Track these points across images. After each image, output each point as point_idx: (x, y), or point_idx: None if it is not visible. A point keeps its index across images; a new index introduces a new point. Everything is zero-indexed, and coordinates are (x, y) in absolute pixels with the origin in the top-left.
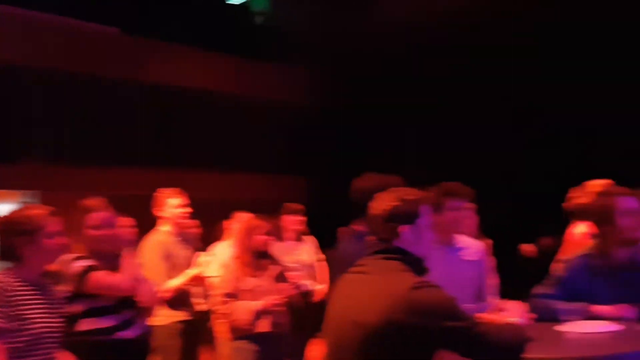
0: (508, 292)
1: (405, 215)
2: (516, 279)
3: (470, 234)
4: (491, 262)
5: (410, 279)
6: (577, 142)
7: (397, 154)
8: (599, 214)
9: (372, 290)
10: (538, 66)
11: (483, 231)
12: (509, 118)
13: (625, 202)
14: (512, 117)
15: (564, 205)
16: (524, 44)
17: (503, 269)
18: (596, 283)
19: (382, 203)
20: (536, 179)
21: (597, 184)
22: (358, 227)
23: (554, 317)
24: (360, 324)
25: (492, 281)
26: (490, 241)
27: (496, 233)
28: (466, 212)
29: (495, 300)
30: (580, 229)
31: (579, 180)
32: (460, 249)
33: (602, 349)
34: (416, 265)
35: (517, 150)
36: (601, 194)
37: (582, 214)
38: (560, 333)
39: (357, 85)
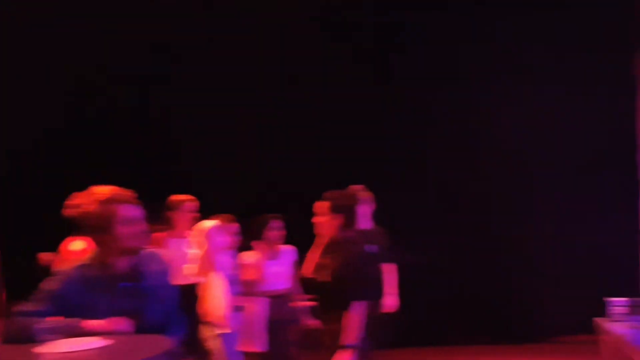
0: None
1: None
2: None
3: None
4: None
5: None
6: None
7: None
8: (98, 223)
9: None
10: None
11: None
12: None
13: (126, 210)
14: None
15: (63, 212)
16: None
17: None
18: (94, 296)
19: None
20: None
21: (100, 190)
22: None
23: (34, 338)
24: None
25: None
26: None
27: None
28: None
29: None
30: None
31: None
32: None
33: None
34: None
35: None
36: (102, 202)
37: (81, 222)
38: (37, 355)
39: None
